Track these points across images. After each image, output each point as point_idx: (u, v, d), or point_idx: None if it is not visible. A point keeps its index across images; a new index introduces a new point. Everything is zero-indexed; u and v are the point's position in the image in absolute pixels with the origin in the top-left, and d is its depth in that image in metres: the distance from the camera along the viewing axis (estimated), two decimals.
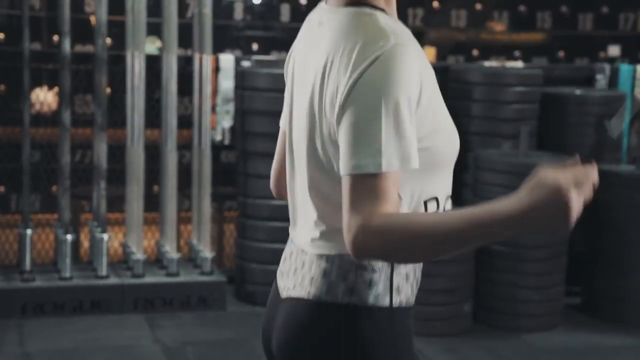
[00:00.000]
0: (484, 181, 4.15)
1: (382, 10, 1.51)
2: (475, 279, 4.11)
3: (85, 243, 4.66)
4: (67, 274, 4.16)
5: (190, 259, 4.52)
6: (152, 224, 4.74)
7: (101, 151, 4.28)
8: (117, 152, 4.52)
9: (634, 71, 4.97)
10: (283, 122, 1.69)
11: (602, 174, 4.72)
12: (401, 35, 1.45)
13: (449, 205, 1.58)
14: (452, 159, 1.56)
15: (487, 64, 4.98)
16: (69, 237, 4.17)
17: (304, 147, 1.55)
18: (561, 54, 7.19)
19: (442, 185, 1.55)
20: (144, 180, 4.37)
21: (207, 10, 4.30)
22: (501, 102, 4.44)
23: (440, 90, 1.59)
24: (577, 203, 1.29)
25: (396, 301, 1.54)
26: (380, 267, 1.53)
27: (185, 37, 4.59)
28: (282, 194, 1.76)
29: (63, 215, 4.30)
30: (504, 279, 4.11)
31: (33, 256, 4.26)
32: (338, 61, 1.45)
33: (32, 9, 5.65)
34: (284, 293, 1.62)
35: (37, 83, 5.43)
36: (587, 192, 1.33)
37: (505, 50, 7.10)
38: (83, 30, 5.52)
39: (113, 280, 4.21)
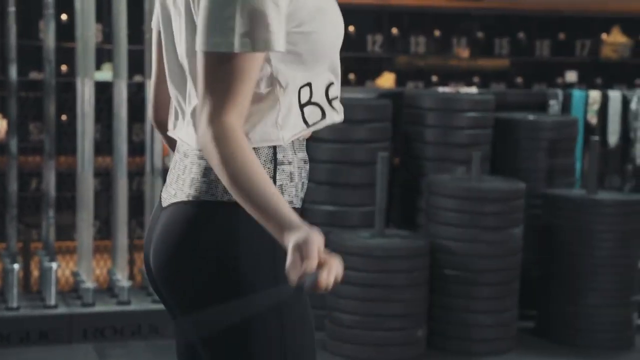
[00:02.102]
0: (437, 206, 4.15)
1: None
2: (429, 304, 4.10)
3: (36, 272, 4.59)
4: (14, 304, 4.09)
5: (143, 287, 4.47)
6: (106, 251, 4.69)
7: (50, 179, 4.23)
8: (68, 180, 4.48)
9: (587, 97, 5.02)
10: (155, 22, 1.67)
11: (554, 198, 4.72)
12: None
13: (335, 91, 1.60)
14: (335, 46, 1.57)
15: (441, 89, 5.00)
16: (16, 266, 4.11)
17: (183, 41, 1.55)
18: (519, 79, 7.26)
19: (325, 72, 1.57)
20: (100, 208, 4.32)
21: None
22: (454, 127, 4.46)
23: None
24: (313, 262, 1.37)
25: None
26: (263, 164, 1.52)
27: (143, 64, 4.56)
28: (161, 119, 1.71)
29: (10, 244, 4.24)
30: (457, 304, 4.10)
31: None
32: None
33: None
34: (166, 202, 1.59)
35: None
36: (331, 273, 1.39)
37: (464, 76, 7.15)
38: (38, 57, 5.47)
39: (62, 309, 4.14)
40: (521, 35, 7.26)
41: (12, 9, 4.08)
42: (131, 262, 4.60)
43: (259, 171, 1.43)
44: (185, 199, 1.54)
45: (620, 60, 7.33)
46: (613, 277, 4.22)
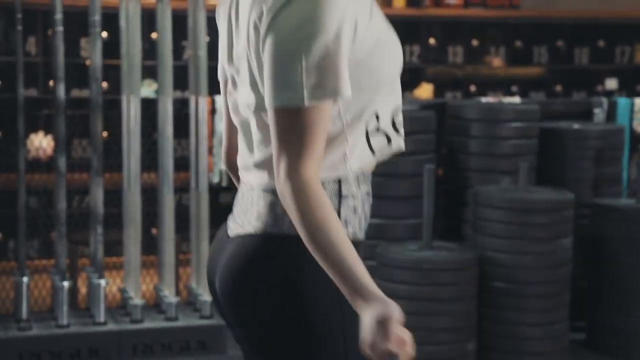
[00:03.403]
0: (483, 217, 4.12)
1: None
2: (478, 317, 4.05)
3: (83, 289, 4.61)
4: (64, 322, 4.11)
5: (190, 302, 4.47)
6: (151, 267, 4.70)
7: (97, 196, 4.25)
8: (114, 197, 4.50)
9: (632, 104, 4.96)
10: (221, 73, 1.67)
11: (602, 208, 4.65)
12: None
13: (398, 115, 1.60)
14: (396, 74, 1.59)
15: (484, 99, 4.96)
16: (66, 284, 4.13)
17: (246, 84, 1.55)
18: (558, 88, 7.20)
19: (387, 98, 1.57)
20: (143, 223, 4.34)
21: (202, 52, 4.30)
22: (499, 137, 4.42)
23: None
24: (395, 337, 1.41)
25: None
26: (328, 198, 1.51)
27: (182, 79, 4.59)
28: (233, 161, 1.72)
29: (60, 261, 4.26)
30: (507, 317, 4.06)
31: (30, 303, 4.21)
32: None
33: (28, 55, 5.67)
34: (232, 233, 1.61)
35: (33, 129, 5.44)
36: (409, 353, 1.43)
37: (502, 86, 7.10)
38: (80, 75, 5.53)
39: (111, 326, 4.16)
40: (560, 43, 7.21)
41: (59, 28, 4.11)
42: (177, 278, 4.61)
43: (337, 227, 1.43)
44: (252, 231, 1.55)
45: None
46: None
